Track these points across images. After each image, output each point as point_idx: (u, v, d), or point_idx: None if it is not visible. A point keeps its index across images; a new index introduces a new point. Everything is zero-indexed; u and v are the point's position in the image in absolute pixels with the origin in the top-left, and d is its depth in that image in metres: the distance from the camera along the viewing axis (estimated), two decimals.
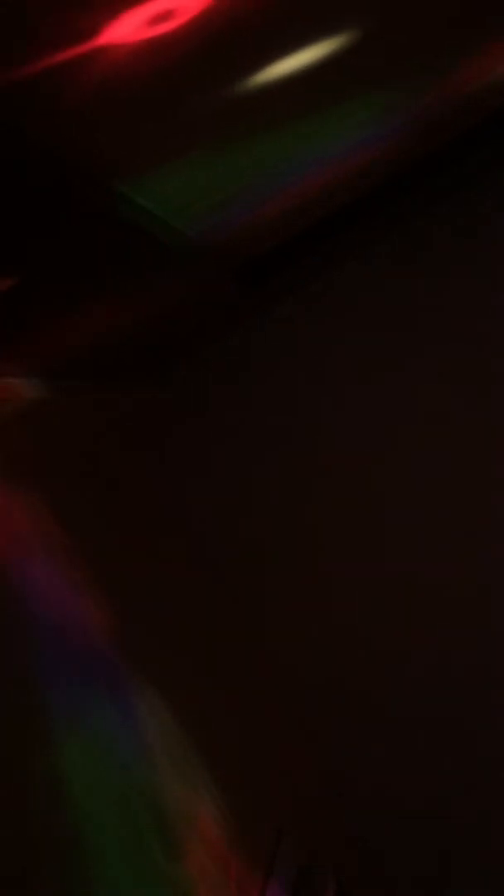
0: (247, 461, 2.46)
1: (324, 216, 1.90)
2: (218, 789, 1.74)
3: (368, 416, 2.41)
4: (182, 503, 2.47)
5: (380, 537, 2.42)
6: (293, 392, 2.44)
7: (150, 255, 1.34)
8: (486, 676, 2.40)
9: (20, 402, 1.63)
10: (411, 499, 2.40)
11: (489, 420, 2.36)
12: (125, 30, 0.77)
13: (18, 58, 0.73)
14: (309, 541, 2.46)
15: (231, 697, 2.09)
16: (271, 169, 1.32)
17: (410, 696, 2.44)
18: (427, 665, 2.41)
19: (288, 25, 0.93)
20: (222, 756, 1.85)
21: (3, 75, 0.73)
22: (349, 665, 2.46)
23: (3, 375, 1.57)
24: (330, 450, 2.43)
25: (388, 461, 2.41)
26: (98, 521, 1.83)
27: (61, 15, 0.69)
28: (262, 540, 2.48)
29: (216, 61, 0.91)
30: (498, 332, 2.34)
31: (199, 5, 0.82)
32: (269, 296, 2.23)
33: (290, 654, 2.48)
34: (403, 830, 2.46)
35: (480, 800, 2.41)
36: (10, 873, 1.06)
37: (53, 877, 1.15)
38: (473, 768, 2.42)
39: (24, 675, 1.27)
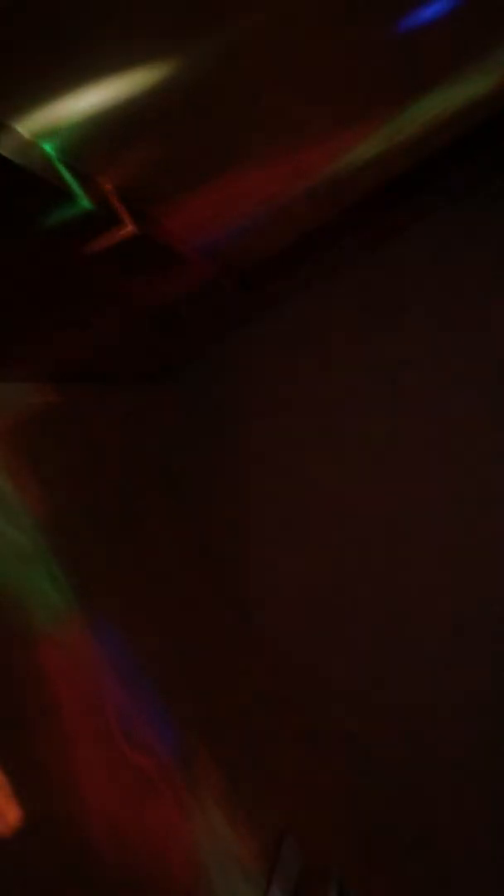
0: (246, 458, 2.47)
1: (319, 223, 1.91)
2: (222, 791, 1.74)
3: (364, 414, 2.42)
4: (182, 502, 2.47)
5: (379, 535, 2.43)
6: (289, 392, 2.44)
7: (151, 260, 1.34)
8: (495, 670, 2.41)
9: (23, 405, 1.63)
10: (409, 494, 2.41)
11: (487, 417, 2.37)
12: None
13: None
14: (309, 538, 2.47)
15: (233, 699, 2.10)
16: (269, 184, 1.32)
17: (411, 696, 2.44)
18: (432, 662, 2.42)
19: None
20: (226, 758, 1.85)
21: None
22: (351, 666, 2.47)
23: (5, 379, 1.58)
24: (327, 447, 2.44)
25: (382, 458, 2.42)
26: (98, 520, 1.84)
27: None
28: (262, 537, 2.48)
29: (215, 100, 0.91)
30: (491, 334, 2.35)
31: None
32: (267, 298, 2.23)
33: (292, 655, 2.49)
34: (405, 830, 2.47)
35: (482, 799, 2.42)
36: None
37: None
38: (475, 767, 2.42)
39: None
